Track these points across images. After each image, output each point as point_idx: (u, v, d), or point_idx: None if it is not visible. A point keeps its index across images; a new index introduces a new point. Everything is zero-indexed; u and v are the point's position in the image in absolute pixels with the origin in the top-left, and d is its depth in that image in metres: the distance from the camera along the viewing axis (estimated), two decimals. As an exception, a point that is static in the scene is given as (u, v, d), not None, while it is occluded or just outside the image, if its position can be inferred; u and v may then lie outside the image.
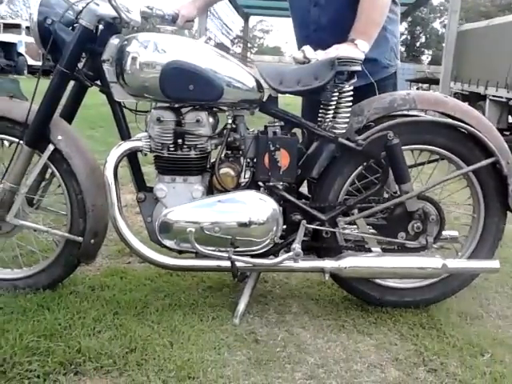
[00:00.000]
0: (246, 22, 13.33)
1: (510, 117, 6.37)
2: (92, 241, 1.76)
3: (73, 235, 1.76)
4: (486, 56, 7.25)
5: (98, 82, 1.72)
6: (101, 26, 1.68)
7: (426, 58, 33.47)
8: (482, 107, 6.73)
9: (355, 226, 1.84)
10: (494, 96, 6.67)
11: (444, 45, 7.79)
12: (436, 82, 9.92)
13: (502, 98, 6.40)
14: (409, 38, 33.26)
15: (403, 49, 33.16)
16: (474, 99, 7.22)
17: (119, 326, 1.65)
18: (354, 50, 1.69)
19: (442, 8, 30.86)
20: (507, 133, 6.37)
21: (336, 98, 1.70)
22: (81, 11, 1.65)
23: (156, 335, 1.62)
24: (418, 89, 12.74)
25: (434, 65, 19.71)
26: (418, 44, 33.80)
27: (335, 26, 1.80)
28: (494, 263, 1.77)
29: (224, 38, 11.45)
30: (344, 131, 1.72)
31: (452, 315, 1.87)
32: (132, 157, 1.74)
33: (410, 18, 23.03)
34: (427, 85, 12.37)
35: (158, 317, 1.73)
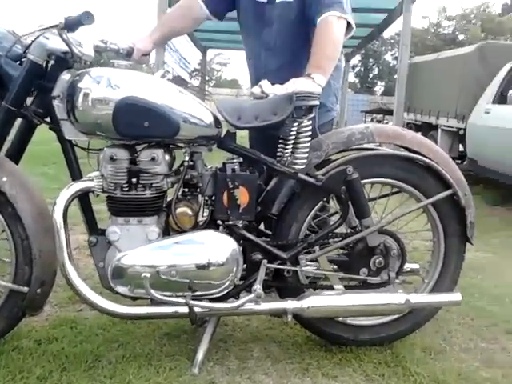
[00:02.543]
0: (204, 55, 13.42)
1: (460, 146, 6.59)
2: (39, 290, 1.63)
3: (17, 285, 1.62)
4: (436, 87, 7.53)
5: (48, 120, 1.64)
6: (51, 61, 1.61)
7: (379, 88, 34.66)
8: (434, 137, 6.95)
9: (317, 264, 1.80)
10: (445, 126, 6.90)
11: (396, 76, 8.07)
12: (390, 112, 10.26)
13: (452, 127, 6.62)
14: (362, 69, 34.41)
15: (357, 80, 34.29)
16: (427, 129, 7.46)
17: (67, 385, 1.52)
18: (312, 83, 1.68)
19: (392, 41, 32.20)
20: (458, 161, 6.58)
21: (294, 133, 1.68)
22: (29, 45, 1.58)
23: (108, 392, 1.50)
24: (372, 119, 13.13)
25: (386, 95, 20.42)
26: (371, 75, 34.99)
27: (283, 70, 1.81)
28: (455, 296, 1.77)
29: (182, 72, 11.46)
30: (303, 166, 1.70)
31: (416, 351, 1.85)
32: (83, 198, 1.65)
33: (363, 51, 23.87)
34: (381, 115, 12.76)
35: (110, 371, 1.61)
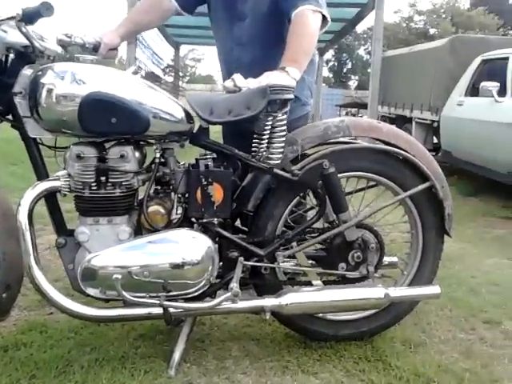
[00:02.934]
0: (177, 51, 13.27)
1: (434, 138, 6.66)
2: (4, 295, 1.56)
3: None
4: (409, 80, 7.60)
5: (10, 117, 1.56)
6: (11, 56, 1.53)
7: (353, 83, 34.93)
8: (408, 129, 7.01)
9: (295, 260, 1.76)
10: (419, 118, 6.96)
11: (370, 70, 8.12)
12: (364, 106, 10.31)
13: (426, 120, 6.69)
14: (336, 64, 34.61)
15: (331, 75, 34.48)
16: (401, 122, 7.51)
17: (35, 393, 1.46)
18: (286, 77, 1.65)
19: (365, 36, 32.45)
20: (433, 153, 6.65)
21: (269, 128, 1.64)
22: None
23: (79, 399, 1.44)
24: (347, 113, 13.22)
25: (360, 89, 20.58)
26: (344, 70, 35.22)
27: (256, 66, 1.76)
28: (434, 289, 1.76)
29: (155, 68, 11.30)
30: (279, 161, 1.66)
31: (396, 344, 1.84)
32: (50, 198, 1.58)
33: (336, 45, 23.99)
34: (356, 109, 12.85)
35: (82, 376, 1.55)
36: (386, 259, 1.90)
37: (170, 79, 12.69)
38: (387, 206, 1.77)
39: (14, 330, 1.84)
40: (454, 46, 6.38)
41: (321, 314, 1.79)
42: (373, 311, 1.81)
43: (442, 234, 1.84)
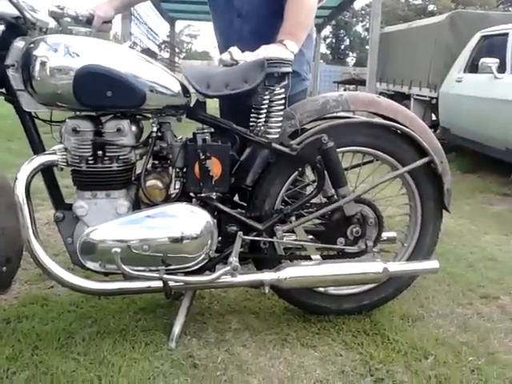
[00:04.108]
0: (173, 27, 13.10)
1: (433, 115, 6.63)
2: (4, 268, 1.56)
3: None
4: (408, 57, 7.53)
5: (3, 90, 1.52)
6: (1, 27, 1.48)
7: (350, 59, 34.66)
8: (406, 106, 6.96)
9: (293, 234, 1.76)
10: (417, 95, 6.92)
11: (368, 47, 8.03)
12: (362, 82, 10.25)
13: (425, 96, 6.64)
14: (334, 40, 34.29)
15: (328, 52, 34.15)
16: (399, 99, 7.44)
17: (38, 364, 1.47)
18: (284, 50, 1.63)
19: (363, 12, 32.07)
20: (431, 130, 6.63)
21: (267, 102, 1.62)
22: None
23: (82, 369, 1.46)
24: (345, 90, 13.11)
25: (359, 66, 20.39)
26: (342, 47, 34.90)
27: (257, 37, 1.74)
28: (433, 263, 1.76)
29: (150, 44, 11.17)
30: (277, 136, 1.65)
31: (394, 318, 1.85)
32: (47, 172, 1.56)
33: (333, 22, 23.69)
34: (354, 86, 12.75)
35: (84, 348, 1.56)
36: (385, 234, 1.90)
37: (166, 55, 12.54)
38: (387, 180, 1.76)
39: (16, 303, 1.85)
40: (454, 22, 6.30)
41: (323, 289, 1.80)
42: (374, 284, 1.81)
43: (441, 210, 1.84)
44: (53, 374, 1.42)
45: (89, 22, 1.82)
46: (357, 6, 32.00)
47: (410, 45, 7.55)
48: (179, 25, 19.68)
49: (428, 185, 1.80)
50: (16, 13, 1.44)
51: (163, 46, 13.16)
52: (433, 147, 1.76)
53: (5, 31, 1.48)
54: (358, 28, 34.03)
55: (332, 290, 1.82)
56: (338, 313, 1.82)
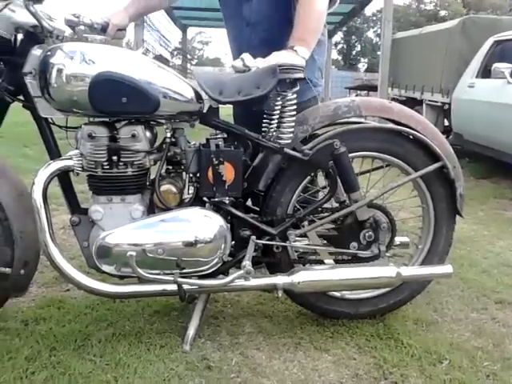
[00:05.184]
0: (185, 34, 13.21)
1: (445, 120, 6.59)
2: (22, 271, 1.59)
3: None
4: (420, 62, 7.50)
5: (21, 97, 1.57)
6: (20, 35, 1.52)
7: (362, 65, 34.59)
8: (419, 112, 6.93)
9: (306, 239, 1.77)
10: (430, 101, 6.88)
11: (380, 53, 8.03)
12: (374, 88, 10.21)
13: (437, 102, 6.61)
14: (345, 46, 34.27)
15: (340, 57, 34.15)
16: (411, 104, 7.41)
17: (56, 364, 1.50)
18: (295, 56, 1.65)
19: (374, 18, 32.03)
20: (444, 136, 6.59)
21: (279, 107, 1.64)
22: None
23: (99, 371, 1.48)
24: (356, 96, 13.08)
25: (370, 72, 20.36)
26: (353, 52, 34.88)
27: (267, 45, 1.76)
28: (446, 268, 1.75)
29: (162, 50, 11.27)
30: (289, 141, 1.66)
31: (408, 323, 1.85)
32: (63, 177, 1.59)
33: (344, 28, 23.70)
34: (366, 91, 12.72)
35: (100, 349, 1.59)
36: (398, 239, 1.90)
37: (178, 62, 12.64)
38: (399, 185, 1.76)
39: (33, 305, 1.88)
40: (466, 27, 6.27)
41: (339, 294, 1.80)
42: (390, 288, 1.81)
43: (454, 215, 1.83)
44: (70, 374, 1.45)
45: (104, 29, 1.86)
46: (368, 11, 32.03)
47: (422, 50, 7.53)
48: (191, 32, 19.84)
49: (440, 188, 1.79)
50: (34, 22, 1.47)
51: (175, 53, 13.27)
52: (445, 152, 1.76)
53: (23, 40, 1.53)
54: (370, 34, 34.03)
55: (348, 295, 1.82)
56: (355, 317, 1.82)
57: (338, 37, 30.80)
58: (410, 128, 1.74)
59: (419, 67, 7.50)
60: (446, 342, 1.73)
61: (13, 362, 1.49)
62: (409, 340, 1.71)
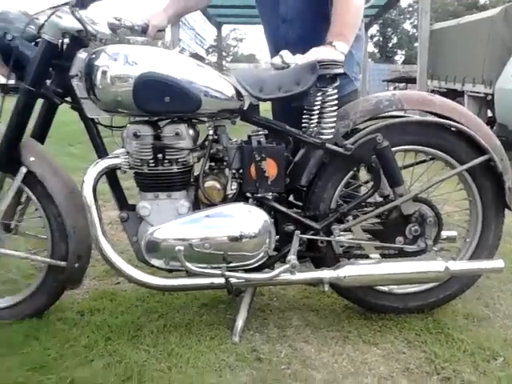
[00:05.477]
0: (219, 31, 13.32)
1: (488, 111, 6.39)
2: (76, 265, 1.66)
3: (55, 260, 1.66)
4: (460, 53, 7.30)
5: (69, 99, 1.62)
6: (66, 40, 1.58)
7: (399, 57, 33.98)
8: (460, 103, 6.74)
9: (351, 233, 1.75)
10: (471, 92, 6.70)
11: (417, 44, 7.86)
12: (412, 80, 10.02)
13: (479, 93, 6.42)
14: (381, 39, 33.73)
15: (376, 50, 33.64)
16: (452, 96, 7.22)
17: (113, 353, 1.55)
18: (334, 51, 1.64)
19: (410, 9, 31.38)
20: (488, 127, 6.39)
21: (320, 103, 1.63)
22: (42, 25, 1.55)
23: (153, 360, 1.53)
24: (394, 88, 12.87)
25: (407, 64, 19.96)
26: (390, 45, 34.28)
27: (303, 42, 1.74)
28: (497, 263, 1.70)
29: (198, 48, 11.41)
30: (331, 136, 1.65)
31: (458, 318, 1.80)
32: (111, 175, 1.64)
33: (380, 20, 23.32)
34: (404, 84, 12.50)
35: (153, 340, 1.63)
36: (445, 233, 1.85)
37: (213, 59, 12.77)
38: (445, 179, 1.72)
39: (87, 297, 1.96)
40: (509, 15, 6.07)
41: (387, 288, 1.78)
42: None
43: (503, 209, 1.78)
44: (126, 363, 1.49)
45: (144, 31, 1.89)
46: (404, 3, 31.43)
47: (462, 40, 7.32)
48: (225, 29, 19.96)
49: (487, 181, 1.74)
50: (79, 26, 1.52)
51: (210, 50, 13.40)
52: (491, 145, 1.70)
53: (69, 44, 1.58)
54: (406, 25, 33.37)
55: (397, 289, 1.80)
56: (403, 311, 1.80)
57: (374, 29, 30.39)
58: (454, 120, 1.70)
59: (459, 58, 7.30)
60: (500, 338, 1.67)
61: (73, 350, 1.56)
62: (460, 335, 1.67)
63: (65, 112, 1.71)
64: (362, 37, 2.00)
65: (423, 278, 1.69)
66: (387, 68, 18.46)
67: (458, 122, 1.69)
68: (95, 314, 1.80)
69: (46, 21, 1.53)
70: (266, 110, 1.91)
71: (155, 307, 1.86)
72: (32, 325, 1.69)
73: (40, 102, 1.64)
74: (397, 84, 13.06)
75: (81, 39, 1.59)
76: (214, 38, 13.39)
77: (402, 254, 1.73)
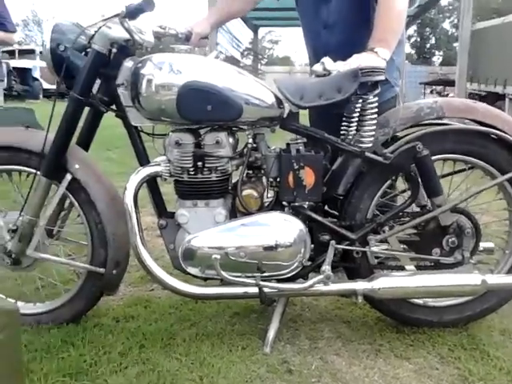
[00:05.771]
0: (256, 34, 13.35)
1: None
2: (114, 271, 1.70)
3: (94, 266, 1.71)
4: (503, 54, 7.11)
5: (114, 107, 1.67)
6: (114, 50, 1.63)
7: (437, 59, 33.23)
8: (500, 107, 6.58)
9: (386, 244, 1.74)
10: (513, 95, 6.54)
11: (457, 45, 7.69)
12: (450, 83, 9.81)
13: (522, 96, 6.26)
14: (418, 39, 33.07)
15: (413, 51, 32.99)
16: (492, 99, 7.07)
17: (146, 361, 1.59)
18: (376, 58, 1.62)
19: (450, 8, 30.65)
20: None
21: (359, 110, 1.62)
22: (93, 35, 1.60)
23: (185, 369, 1.55)
24: (432, 91, 12.62)
25: (445, 66, 19.51)
26: (428, 45, 33.57)
27: (344, 48, 1.73)
28: (537, 277, 1.66)
29: (234, 51, 11.46)
30: (370, 145, 1.64)
31: (494, 333, 1.77)
32: (151, 182, 1.68)
33: (419, 20, 22.85)
34: (442, 86, 12.24)
35: (185, 348, 1.66)
36: (482, 245, 1.82)
37: (248, 62, 12.81)
38: (485, 189, 1.69)
39: (122, 303, 2.00)
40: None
41: (422, 301, 1.76)
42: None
43: (544, 222, 1.74)
44: (159, 371, 1.52)
45: (187, 39, 1.93)
46: (443, 1, 30.71)
47: (505, 40, 7.12)
48: (261, 31, 19.99)
49: (531, 194, 1.70)
50: (127, 36, 1.57)
51: (245, 53, 13.45)
52: None
53: (117, 53, 1.63)
54: (445, 25, 32.61)
55: (431, 302, 1.78)
56: (437, 325, 1.78)
57: (411, 29, 29.78)
58: (496, 129, 1.67)
59: (502, 59, 7.11)
60: (538, 356, 1.64)
61: (108, 357, 1.60)
62: (496, 352, 1.64)
63: (104, 117, 1.76)
64: (402, 42, 1.97)
65: (459, 291, 1.67)
66: (424, 70, 18.02)
67: (501, 131, 1.66)
68: (130, 321, 1.84)
69: (96, 31, 1.59)
70: (302, 114, 1.91)
71: (188, 315, 1.89)
72: (69, 330, 1.73)
73: (86, 109, 1.70)
74: (434, 87, 12.80)
75: (127, 48, 1.64)
76: (249, 40, 13.41)
77: (437, 266, 1.71)
